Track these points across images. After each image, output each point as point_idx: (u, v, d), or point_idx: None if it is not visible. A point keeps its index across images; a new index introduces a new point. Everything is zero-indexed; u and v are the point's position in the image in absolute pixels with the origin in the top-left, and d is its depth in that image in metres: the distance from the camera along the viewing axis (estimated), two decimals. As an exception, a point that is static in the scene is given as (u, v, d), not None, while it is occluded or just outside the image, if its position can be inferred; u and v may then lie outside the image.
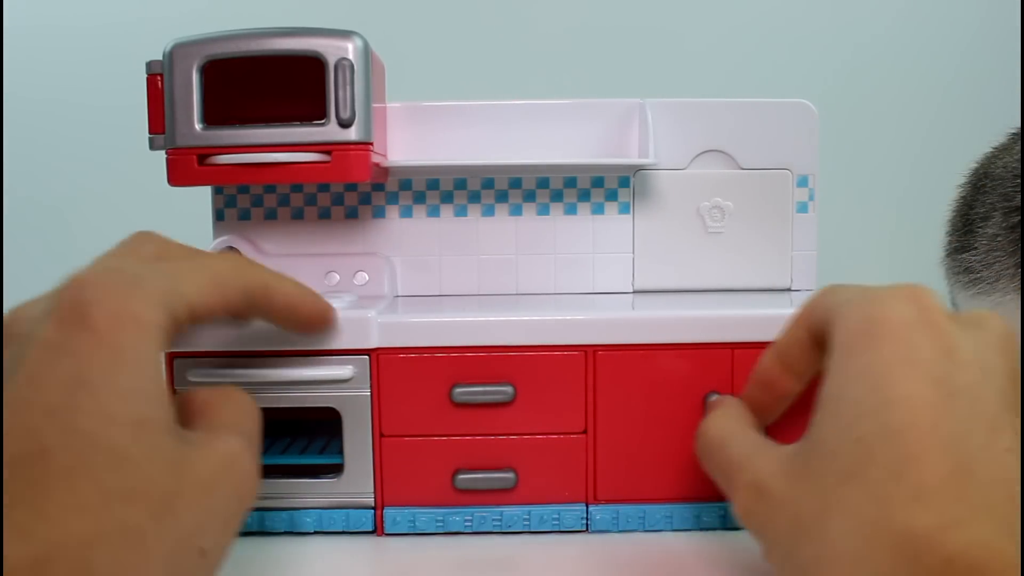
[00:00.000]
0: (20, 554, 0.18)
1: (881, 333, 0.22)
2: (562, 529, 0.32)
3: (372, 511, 0.32)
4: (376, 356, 0.32)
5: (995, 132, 0.45)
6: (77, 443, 0.20)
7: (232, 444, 0.24)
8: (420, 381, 0.32)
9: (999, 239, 0.38)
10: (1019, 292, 0.37)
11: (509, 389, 0.32)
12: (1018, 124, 0.43)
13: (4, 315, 0.24)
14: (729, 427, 0.28)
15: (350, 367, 0.32)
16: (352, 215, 0.39)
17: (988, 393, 0.21)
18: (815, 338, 0.26)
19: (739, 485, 0.25)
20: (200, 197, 0.40)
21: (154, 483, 0.21)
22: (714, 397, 0.31)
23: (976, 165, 0.43)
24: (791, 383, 0.28)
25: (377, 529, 0.33)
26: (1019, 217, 0.37)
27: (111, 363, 0.21)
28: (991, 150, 0.43)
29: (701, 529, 0.32)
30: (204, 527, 0.22)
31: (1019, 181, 0.38)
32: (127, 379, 0.21)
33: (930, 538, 0.19)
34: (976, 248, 0.39)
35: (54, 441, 0.20)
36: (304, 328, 0.30)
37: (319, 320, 0.30)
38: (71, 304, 0.22)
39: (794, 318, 0.28)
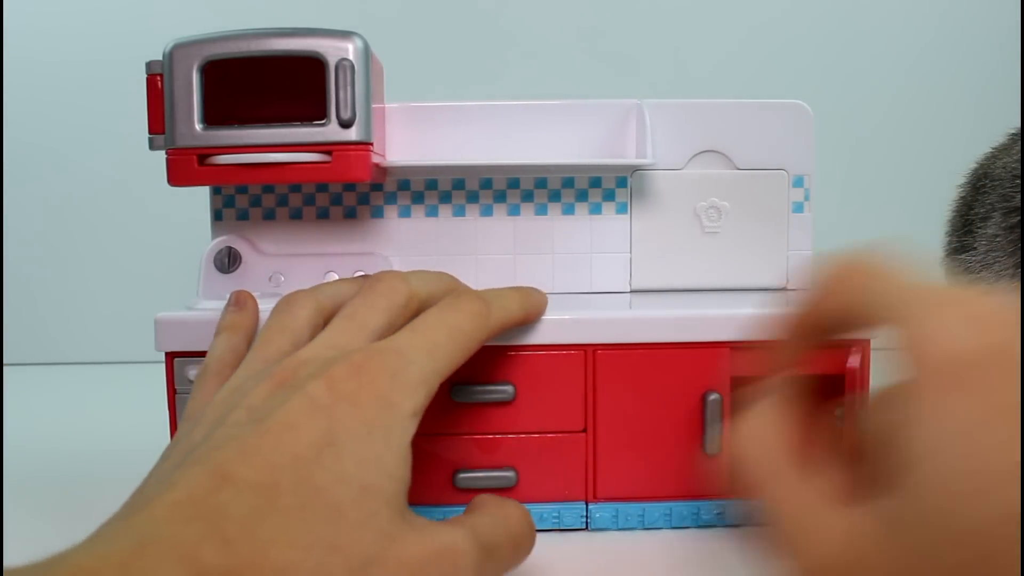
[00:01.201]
0: (216, 562, 0.20)
1: (994, 370, 0.18)
2: (562, 527, 0.33)
3: (372, 510, 0.33)
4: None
5: (994, 132, 0.45)
6: (307, 492, 0.22)
7: (457, 539, 0.24)
8: (419, 380, 0.32)
9: (998, 240, 0.38)
10: (1019, 293, 0.38)
11: (509, 389, 0.32)
12: (1018, 124, 0.43)
13: (294, 355, 0.26)
14: (768, 463, 0.22)
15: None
16: (351, 215, 0.39)
17: None
18: (842, 320, 0.23)
19: (799, 552, 0.20)
20: (199, 197, 0.40)
21: (360, 544, 0.22)
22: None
23: (975, 165, 0.43)
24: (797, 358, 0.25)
25: (377, 528, 0.33)
26: (1018, 218, 0.38)
27: (361, 432, 0.23)
28: (990, 150, 0.43)
29: (700, 527, 0.33)
30: None
31: (1018, 182, 0.38)
32: (370, 449, 0.23)
33: None
34: (975, 249, 0.40)
35: (288, 482, 0.22)
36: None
37: (536, 318, 0.32)
38: (345, 377, 0.24)
39: (824, 295, 0.23)
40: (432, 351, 0.26)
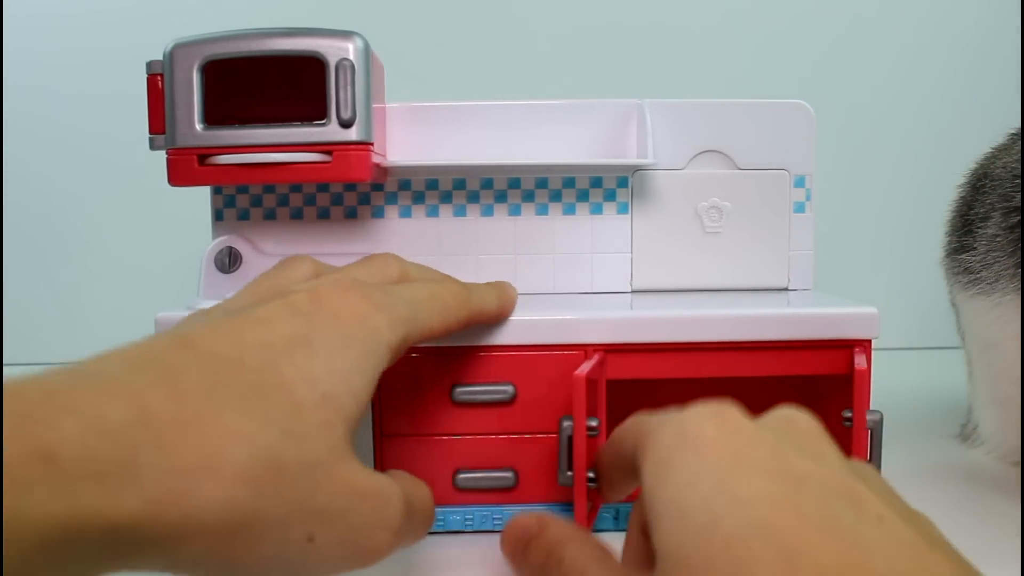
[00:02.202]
0: (163, 408, 0.19)
1: (704, 442, 0.21)
2: (561, 528, 0.33)
3: (372, 510, 0.33)
4: (376, 356, 0.32)
5: (994, 132, 0.45)
6: (270, 378, 0.22)
7: (393, 490, 0.24)
8: (421, 381, 0.32)
9: (998, 240, 0.38)
10: (1019, 293, 0.37)
11: (509, 389, 0.32)
12: (1017, 124, 0.43)
13: (271, 277, 0.28)
14: (591, 555, 0.25)
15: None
16: (351, 215, 0.39)
17: (834, 473, 0.20)
18: (627, 464, 0.25)
19: None
20: (199, 197, 0.40)
21: (312, 444, 0.22)
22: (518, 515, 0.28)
23: (975, 165, 0.43)
24: (614, 496, 0.28)
25: (377, 528, 0.33)
26: (1018, 218, 0.38)
27: (338, 343, 0.24)
28: (990, 150, 0.43)
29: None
30: (328, 518, 0.22)
31: (1018, 182, 0.38)
32: (343, 362, 0.23)
33: None
34: (975, 249, 0.39)
35: (253, 362, 0.22)
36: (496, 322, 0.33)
37: (509, 314, 0.33)
38: (329, 292, 0.25)
39: (608, 444, 0.27)
40: (415, 304, 0.27)
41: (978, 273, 0.39)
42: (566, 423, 0.29)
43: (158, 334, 0.23)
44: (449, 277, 0.32)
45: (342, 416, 0.23)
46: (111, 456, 0.18)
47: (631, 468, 0.25)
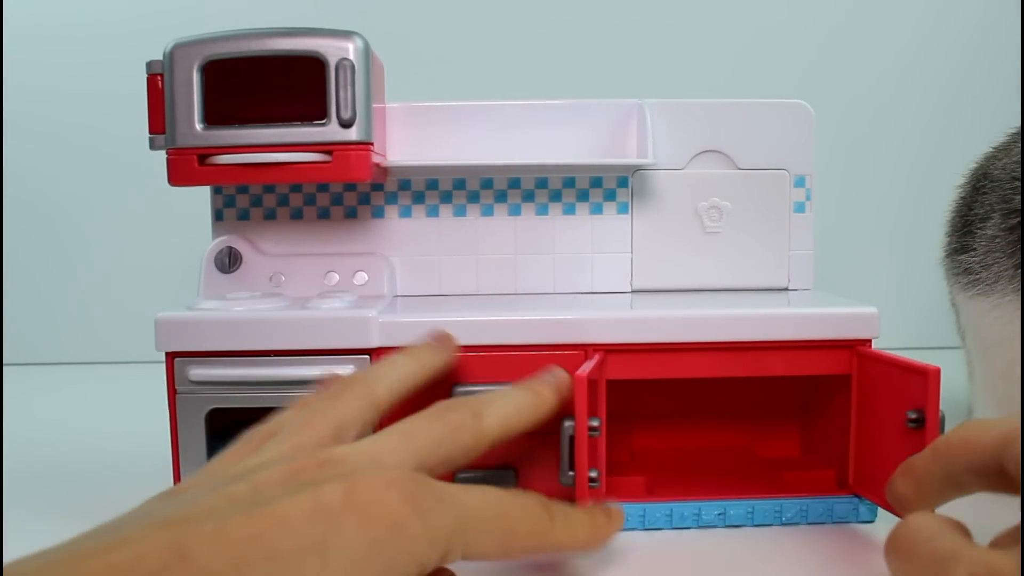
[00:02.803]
0: None
1: None
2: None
3: (372, 510, 0.32)
4: (377, 356, 0.32)
5: (994, 133, 0.45)
6: None
7: None
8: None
9: (998, 240, 0.38)
10: (1018, 293, 0.37)
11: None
12: (1017, 125, 0.43)
13: (329, 449, 0.24)
14: (935, 523, 0.25)
15: (351, 366, 0.32)
16: (351, 215, 0.39)
17: None
18: (977, 466, 0.25)
19: (956, 569, 0.23)
20: (200, 197, 0.40)
21: None
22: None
23: (975, 166, 0.43)
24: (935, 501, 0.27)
25: (377, 528, 0.33)
26: (1018, 218, 0.38)
27: (359, 554, 0.21)
28: (990, 151, 0.43)
29: (700, 527, 0.32)
30: None
31: (1018, 183, 0.38)
32: (368, 569, 0.21)
33: None
34: (975, 249, 0.39)
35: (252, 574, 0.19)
36: None
37: (596, 548, 0.29)
38: (367, 487, 0.22)
39: (950, 444, 0.26)
40: (471, 519, 0.24)
41: (978, 274, 0.39)
42: (567, 423, 0.29)
43: (163, 521, 0.20)
44: (529, 496, 0.26)
45: None
46: None
47: (984, 474, 0.25)
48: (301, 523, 0.21)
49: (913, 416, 0.29)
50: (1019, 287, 0.37)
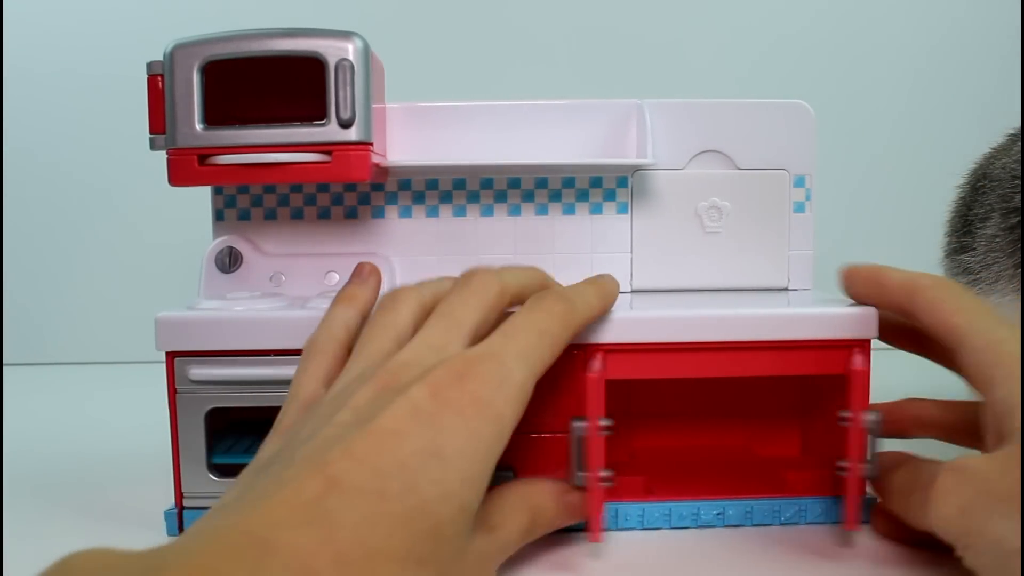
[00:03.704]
0: (323, 570, 0.20)
1: None
2: (562, 528, 0.33)
3: (372, 510, 0.33)
4: (376, 355, 0.32)
5: (993, 133, 0.45)
6: (412, 502, 0.22)
7: (484, 547, 0.27)
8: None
9: (998, 240, 0.38)
10: (1018, 293, 0.37)
11: (508, 388, 0.32)
12: (1017, 125, 0.43)
13: (395, 357, 0.26)
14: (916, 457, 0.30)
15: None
16: (351, 215, 0.39)
17: None
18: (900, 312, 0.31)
19: (940, 471, 0.26)
20: (200, 197, 0.40)
21: (443, 558, 0.23)
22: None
23: (975, 166, 0.43)
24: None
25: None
26: (1018, 218, 0.38)
27: (467, 447, 0.24)
28: (990, 151, 0.43)
29: (699, 527, 0.33)
30: None
31: (1018, 182, 0.38)
32: (475, 467, 0.24)
33: None
34: (975, 249, 0.40)
35: (394, 491, 0.22)
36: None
37: (612, 306, 0.32)
38: (448, 384, 0.24)
39: (901, 286, 0.31)
40: (527, 356, 0.27)
41: (977, 274, 0.39)
42: (577, 424, 0.29)
43: (302, 461, 0.22)
44: (548, 288, 0.31)
45: (471, 521, 0.24)
46: None
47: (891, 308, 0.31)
48: (409, 429, 0.23)
49: (845, 415, 0.30)
50: (1019, 287, 0.37)
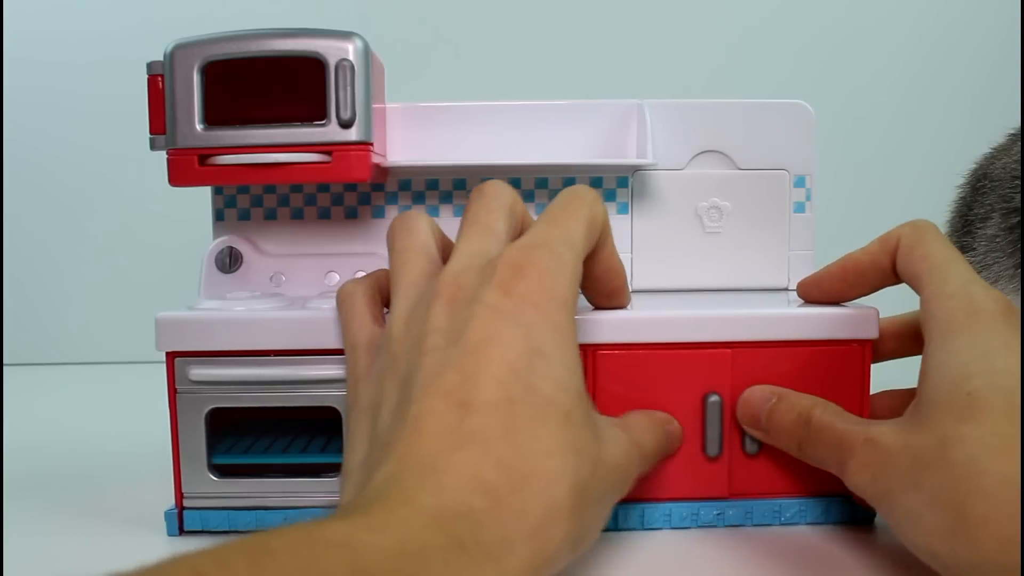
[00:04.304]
0: (502, 481, 0.22)
1: (980, 320, 0.26)
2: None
3: (372, 510, 0.33)
4: (376, 355, 0.32)
5: (993, 132, 0.45)
6: (538, 400, 0.23)
7: (631, 447, 0.28)
8: (420, 380, 0.32)
9: (998, 240, 0.38)
10: (1018, 293, 0.37)
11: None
12: (1017, 125, 0.43)
13: (446, 269, 0.27)
14: (834, 410, 0.30)
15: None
16: (352, 215, 0.39)
17: None
18: (892, 275, 0.31)
19: (854, 445, 0.28)
20: (201, 197, 0.40)
21: (590, 446, 0.24)
22: (713, 398, 0.32)
23: (975, 166, 0.43)
24: (853, 294, 0.33)
25: (377, 528, 0.33)
26: (1018, 218, 0.38)
27: (559, 339, 0.25)
28: (990, 151, 0.43)
29: (699, 526, 0.33)
30: (610, 495, 0.26)
31: (1018, 182, 0.38)
32: (570, 354, 0.25)
33: None
34: (975, 249, 0.40)
35: (518, 395, 0.23)
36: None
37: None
38: (512, 274, 0.25)
39: (880, 249, 0.32)
40: (571, 239, 0.27)
41: (978, 274, 0.39)
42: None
43: (421, 394, 0.23)
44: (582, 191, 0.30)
45: (589, 403, 0.26)
46: (486, 537, 0.21)
47: (893, 276, 0.31)
48: (500, 332, 0.24)
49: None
50: (1019, 287, 0.37)
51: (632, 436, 0.28)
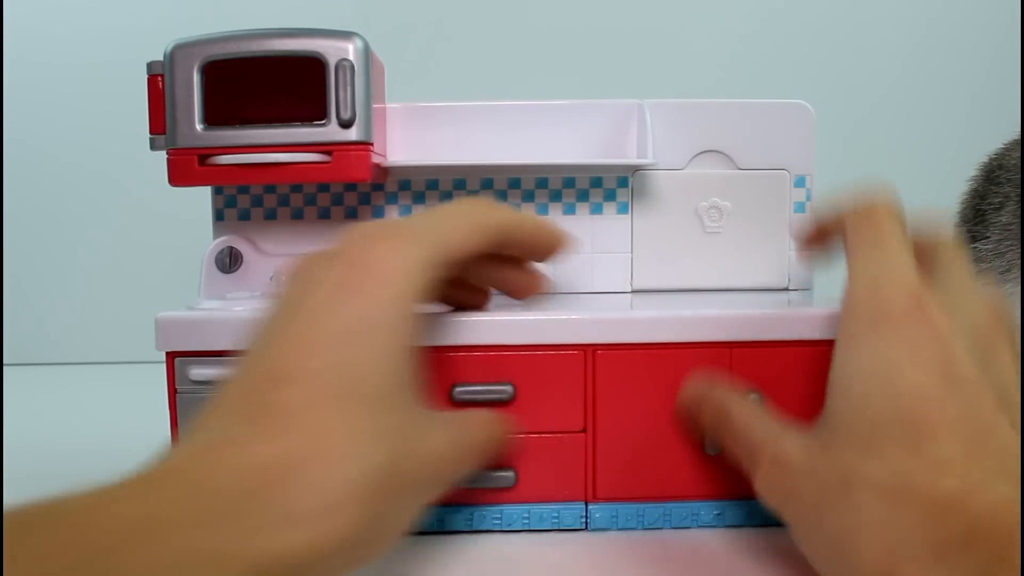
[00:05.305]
0: (284, 451, 0.21)
1: (884, 324, 0.25)
2: (561, 527, 0.33)
3: (372, 510, 0.33)
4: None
5: (993, 132, 0.45)
6: (350, 380, 0.23)
7: (458, 440, 0.27)
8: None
9: (1012, 228, 0.38)
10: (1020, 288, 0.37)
11: (509, 388, 0.32)
12: (1016, 124, 0.43)
13: (295, 262, 0.27)
14: (753, 412, 0.29)
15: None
16: (352, 215, 0.39)
17: (984, 383, 0.24)
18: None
19: (762, 460, 0.27)
20: (201, 197, 0.40)
21: (404, 434, 0.24)
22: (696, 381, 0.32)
23: (987, 159, 0.43)
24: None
25: (377, 528, 0.33)
26: None
27: (388, 322, 0.24)
28: (1002, 146, 0.43)
29: (699, 526, 0.33)
30: (425, 487, 0.25)
31: None
32: (397, 339, 0.25)
33: (954, 501, 0.21)
34: (988, 237, 0.39)
35: (332, 373, 0.23)
36: (546, 256, 0.32)
37: (558, 245, 0.32)
38: (354, 250, 0.25)
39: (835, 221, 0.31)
40: (434, 223, 0.27)
41: (990, 261, 0.39)
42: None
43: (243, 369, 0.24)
44: (477, 198, 0.32)
45: (412, 389, 0.25)
46: (259, 510, 0.20)
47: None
48: (328, 310, 0.24)
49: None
50: (1020, 283, 0.37)
51: (459, 431, 0.27)
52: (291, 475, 0.21)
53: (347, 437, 0.22)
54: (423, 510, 0.25)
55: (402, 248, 0.25)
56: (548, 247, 0.32)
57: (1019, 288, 0.38)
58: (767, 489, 0.27)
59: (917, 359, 0.24)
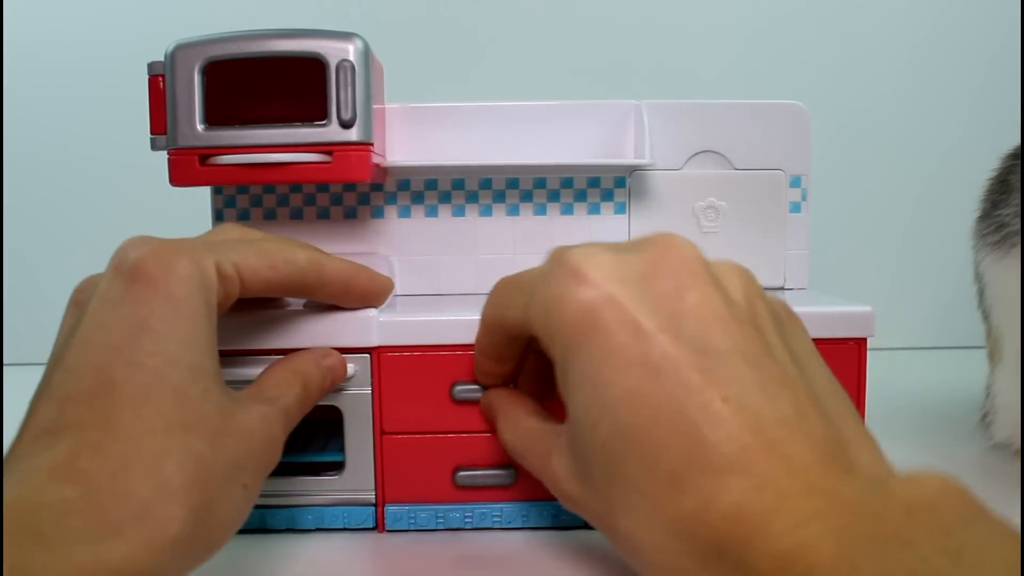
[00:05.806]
0: (97, 467, 0.21)
1: (583, 336, 0.23)
2: (560, 525, 0.33)
3: (373, 508, 0.33)
4: (377, 354, 0.32)
5: (990, 133, 0.45)
6: (142, 377, 0.23)
7: (266, 410, 0.27)
8: (421, 379, 0.32)
9: None
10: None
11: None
12: (1017, 121, 0.43)
13: (76, 286, 0.27)
14: (522, 428, 0.29)
15: (351, 365, 0.32)
16: (351, 215, 0.40)
17: (695, 367, 0.22)
18: (516, 337, 0.29)
19: (542, 477, 0.27)
20: (201, 197, 0.40)
21: (208, 419, 0.24)
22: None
23: (1012, 150, 0.42)
24: (510, 367, 0.31)
25: (378, 526, 0.33)
26: None
27: (170, 312, 0.24)
28: None
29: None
30: (245, 466, 0.25)
31: None
32: (184, 328, 0.24)
33: (696, 518, 0.21)
34: (1009, 204, 0.38)
35: (120, 375, 0.23)
36: (360, 304, 0.32)
37: (375, 296, 0.32)
38: (127, 260, 0.24)
39: (487, 323, 0.30)
40: (220, 244, 0.27)
41: (1014, 227, 0.38)
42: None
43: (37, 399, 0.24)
44: (278, 236, 0.31)
45: (212, 377, 0.25)
46: (79, 524, 0.20)
47: (520, 338, 0.29)
48: (110, 317, 0.24)
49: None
50: (1021, 280, 0.37)
51: (265, 398, 0.27)
52: (103, 487, 0.21)
53: (150, 438, 0.22)
54: (252, 496, 0.25)
55: (177, 260, 0.25)
56: (360, 297, 0.32)
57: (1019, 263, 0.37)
58: (552, 485, 0.27)
59: (615, 359, 0.23)
